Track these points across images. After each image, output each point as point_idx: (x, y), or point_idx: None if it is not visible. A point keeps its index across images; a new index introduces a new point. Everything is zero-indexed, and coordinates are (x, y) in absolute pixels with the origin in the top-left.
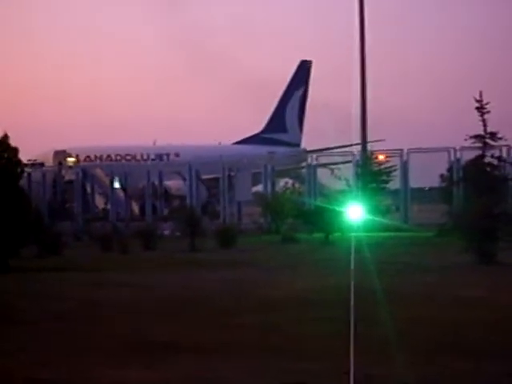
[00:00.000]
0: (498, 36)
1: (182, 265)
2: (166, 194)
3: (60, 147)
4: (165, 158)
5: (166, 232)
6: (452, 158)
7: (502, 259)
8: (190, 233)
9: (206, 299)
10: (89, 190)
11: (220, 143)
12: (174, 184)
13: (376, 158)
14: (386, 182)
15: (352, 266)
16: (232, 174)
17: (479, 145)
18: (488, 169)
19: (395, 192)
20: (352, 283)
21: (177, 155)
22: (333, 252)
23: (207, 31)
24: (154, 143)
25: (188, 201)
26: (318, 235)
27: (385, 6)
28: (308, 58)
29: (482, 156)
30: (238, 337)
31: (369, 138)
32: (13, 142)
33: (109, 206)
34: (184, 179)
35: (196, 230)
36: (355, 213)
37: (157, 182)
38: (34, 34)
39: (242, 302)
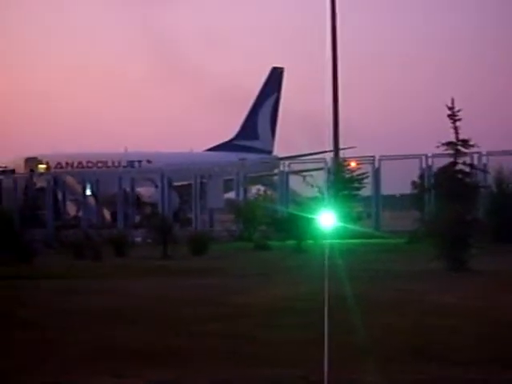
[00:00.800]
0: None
1: (154, 272)
2: (138, 201)
3: (31, 154)
4: (136, 164)
5: (138, 239)
6: (424, 164)
7: (473, 266)
8: (161, 240)
9: (177, 306)
10: (60, 197)
11: (192, 150)
12: (145, 191)
13: (348, 165)
14: (358, 188)
15: (325, 273)
16: (204, 180)
17: (451, 152)
18: (459, 176)
19: (367, 199)
20: (326, 290)
21: (149, 162)
22: (305, 259)
23: (177, 38)
24: (126, 150)
25: (160, 208)
26: (290, 242)
27: (357, 14)
28: (280, 65)
29: (454, 163)
30: (210, 344)
31: (341, 145)
32: None
33: (80, 213)
34: (156, 186)
35: (168, 237)
36: (327, 220)
37: (128, 189)
38: None
39: (213, 310)
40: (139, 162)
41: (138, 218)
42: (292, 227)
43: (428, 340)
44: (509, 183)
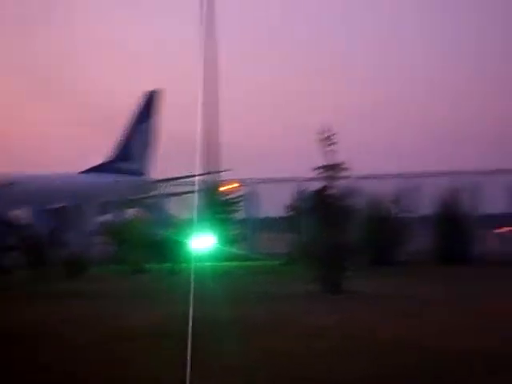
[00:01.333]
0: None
1: (26, 296)
2: (11, 224)
3: None
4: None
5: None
6: (299, 188)
7: (348, 288)
8: (35, 263)
9: (50, 331)
10: None
11: (67, 172)
12: (19, 213)
13: (224, 187)
14: (235, 211)
15: (194, 296)
16: (79, 203)
17: (325, 175)
18: (333, 199)
19: (244, 221)
20: (190, 313)
21: (22, 184)
22: (180, 282)
23: (55, 56)
24: None
25: (34, 230)
26: (166, 265)
27: (235, 38)
28: (157, 87)
29: (328, 187)
30: (82, 368)
31: (218, 168)
32: None
33: None
34: (30, 208)
35: (42, 259)
36: (203, 242)
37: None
38: None
39: (85, 334)
40: (12, 184)
41: (11, 241)
42: (168, 250)
43: (309, 363)
44: (382, 206)
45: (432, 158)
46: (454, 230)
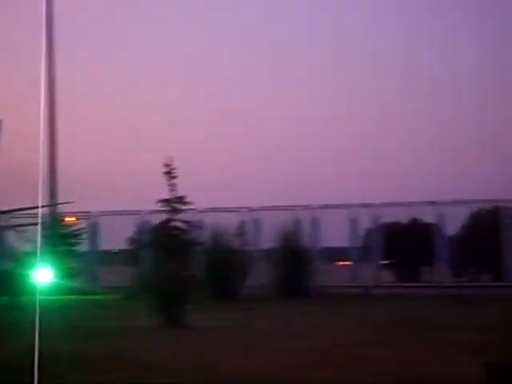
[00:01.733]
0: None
1: None
2: None
3: None
4: None
5: None
6: (141, 220)
7: (189, 322)
8: None
9: None
10: None
11: None
12: None
13: (64, 220)
14: (75, 244)
15: (36, 330)
16: None
17: (168, 208)
18: (176, 232)
19: (84, 254)
20: (36, 347)
21: None
22: (18, 316)
23: None
24: None
25: None
26: (4, 299)
27: (76, 65)
28: None
29: (170, 220)
30: None
31: (59, 200)
32: None
33: None
34: None
35: None
36: (43, 275)
37: None
38: None
39: None
40: None
41: None
42: (6, 283)
43: None
44: (223, 239)
45: (275, 192)
46: (295, 263)
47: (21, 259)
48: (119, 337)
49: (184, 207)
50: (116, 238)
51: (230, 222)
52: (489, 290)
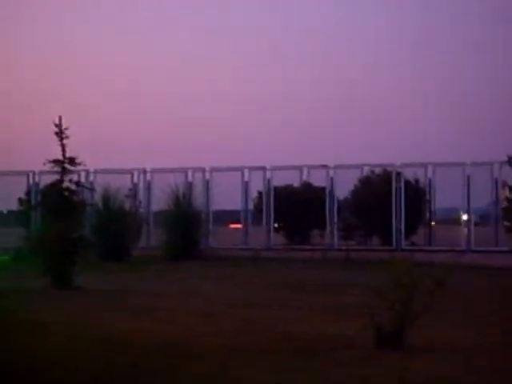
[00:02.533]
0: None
1: None
2: None
3: None
4: None
5: None
6: (31, 181)
7: (78, 283)
8: None
9: None
10: None
11: None
12: None
13: None
14: None
15: None
16: None
17: (58, 169)
18: (66, 193)
19: None
20: None
21: None
22: None
23: None
24: None
25: None
26: None
27: None
28: None
29: (61, 180)
30: None
31: None
32: None
33: None
34: None
35: None
36: None
37: None
38: None
39: None
40: None
41: None
42: None
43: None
44: (115, 201)
45: (169, 154)
46: (186, 225)
47: None
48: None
49: (75, 168)
50: (6, 198)
51: (122, 183)
52: (377, 254)
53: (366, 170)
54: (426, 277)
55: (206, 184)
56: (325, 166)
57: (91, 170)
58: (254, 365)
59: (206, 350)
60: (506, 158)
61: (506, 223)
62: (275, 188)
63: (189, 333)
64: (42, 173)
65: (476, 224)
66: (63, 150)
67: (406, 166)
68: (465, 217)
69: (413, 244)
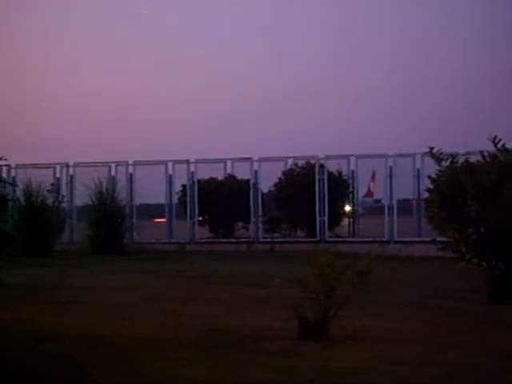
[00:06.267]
0: None
1: None
2: None
3: None
4: None
5: None
6: None
7: (1, 278)
8: None
9: None
10: None
11: None
12: None
13: None
14: None
15: None
16: None
17: None
18: None
19: None
20: None
21: None
22: None
23: None
24: None
25: None
26: None
27: None
28: None
29: None
30: None
31: None
32: None
33: None
34: None
35: None
36: None
37: None
38: None
39: None
40: None
41: None
42: None
43: None
44: (37, 196)
45: (92, 148)
46: (110, 220)
47: None
48: None
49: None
50: None
51: (45, 178)
52: (301, 246)
53: (290, 162)
54: (349, 268)
55: (130, 178)
56: (248, 159)
57: (13, 165)
58: (176, 358)
59: (126, 342)
60: (428, 150)
61: (427, 214)
62: (199, 181)
63: (111, 327)
64: None
65: (360, 215)
66: None
67: (329, 158)
68: (347, 208)
69: (337, 236)
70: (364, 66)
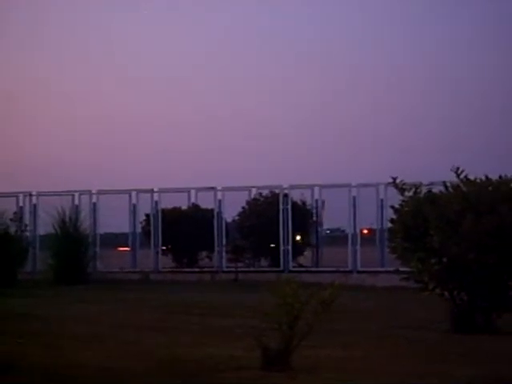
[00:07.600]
0: None
1: None
2: None
3: None
4: None
5: None
6: None
7: None
8: None
9: None
10: None
11: None
12: None
13: None
14: None
15: None
16: None
17: None
18: None
19: None
20: None
21: None
22: None
23: None
24: None
25: None
26: None
27: None
28: None
29: None
30: None
31: None
32: None
33: None
34: None
35: None
36: None
37: None
38: None
39: None
40: None
41: None
42: None
43: None
44: (1, 225)
45: (55, 177)
46: (73, 249)
47: None
48: None
49: None
50: None
51: (8, 206)
52: (265, 275)
53: (254, 191)
54: (312, 297)
55: (93, 207)
56: (212, 188)
57: None
58: None
59: (87, 373)
60: (391, 180)
61: (390, 244)
62: (163, 210)
63: (72, 356)
64: None
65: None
66: None
67: (293, 187)
68: (297, 237)
69: (300, 265)
70: (328, 96)
